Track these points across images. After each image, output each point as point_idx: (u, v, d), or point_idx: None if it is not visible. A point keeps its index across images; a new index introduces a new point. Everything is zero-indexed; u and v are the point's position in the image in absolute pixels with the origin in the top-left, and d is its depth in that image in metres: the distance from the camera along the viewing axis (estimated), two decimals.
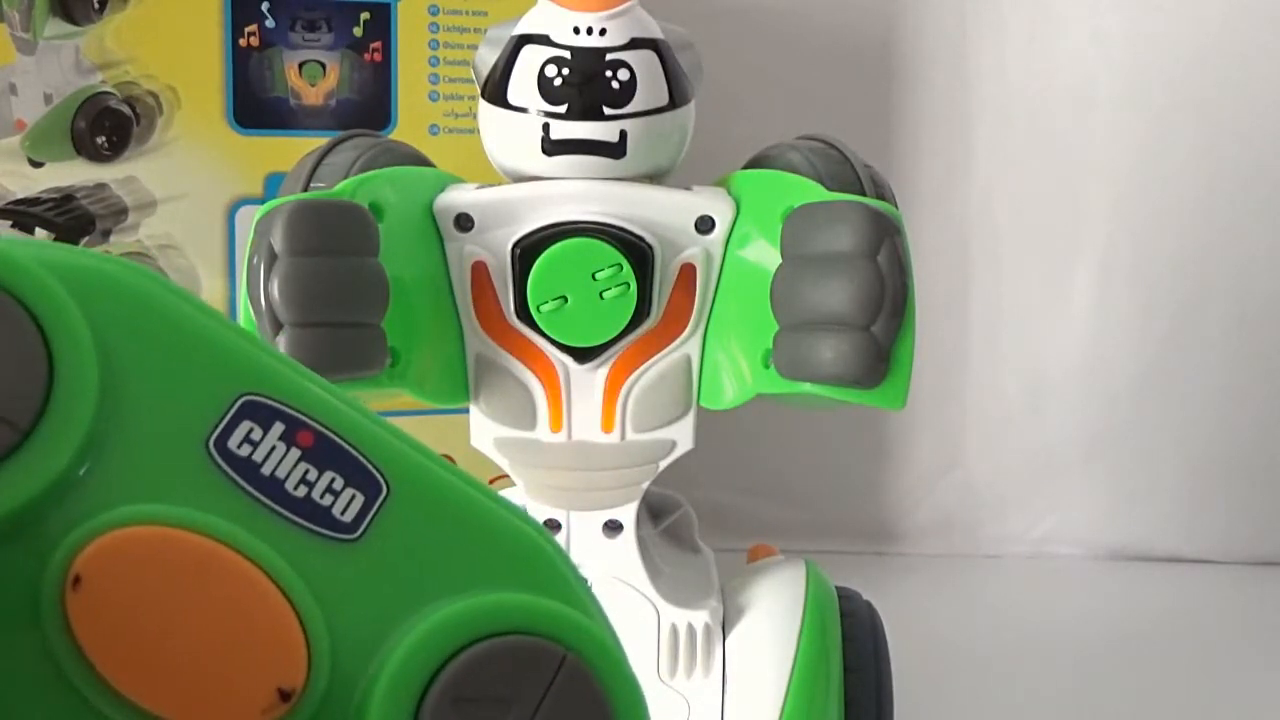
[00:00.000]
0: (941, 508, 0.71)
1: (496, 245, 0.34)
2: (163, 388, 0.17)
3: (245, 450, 0.17)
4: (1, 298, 0.16)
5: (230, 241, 0.52)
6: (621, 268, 0.34)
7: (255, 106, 0.52)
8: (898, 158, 0.69)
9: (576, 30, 0.34)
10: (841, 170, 0.34)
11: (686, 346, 0.35)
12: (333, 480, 0.17)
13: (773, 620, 0.35)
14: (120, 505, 0.16)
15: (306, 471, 0.17)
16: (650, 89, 0.34)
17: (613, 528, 0.35)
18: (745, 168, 0.37)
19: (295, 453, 0.17)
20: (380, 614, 0.17)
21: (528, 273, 0.34)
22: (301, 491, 0.17)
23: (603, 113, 0.34)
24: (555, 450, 0.35)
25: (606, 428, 0.35)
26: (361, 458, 0.17)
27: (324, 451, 0.17)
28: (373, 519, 0.17)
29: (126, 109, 0.51)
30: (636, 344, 0.35)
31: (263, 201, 0.38)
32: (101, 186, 0.51)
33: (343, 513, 0.17)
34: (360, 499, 0.17)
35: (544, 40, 0.34)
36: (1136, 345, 0.69)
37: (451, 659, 0.17)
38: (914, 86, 0.69)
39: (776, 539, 0.45)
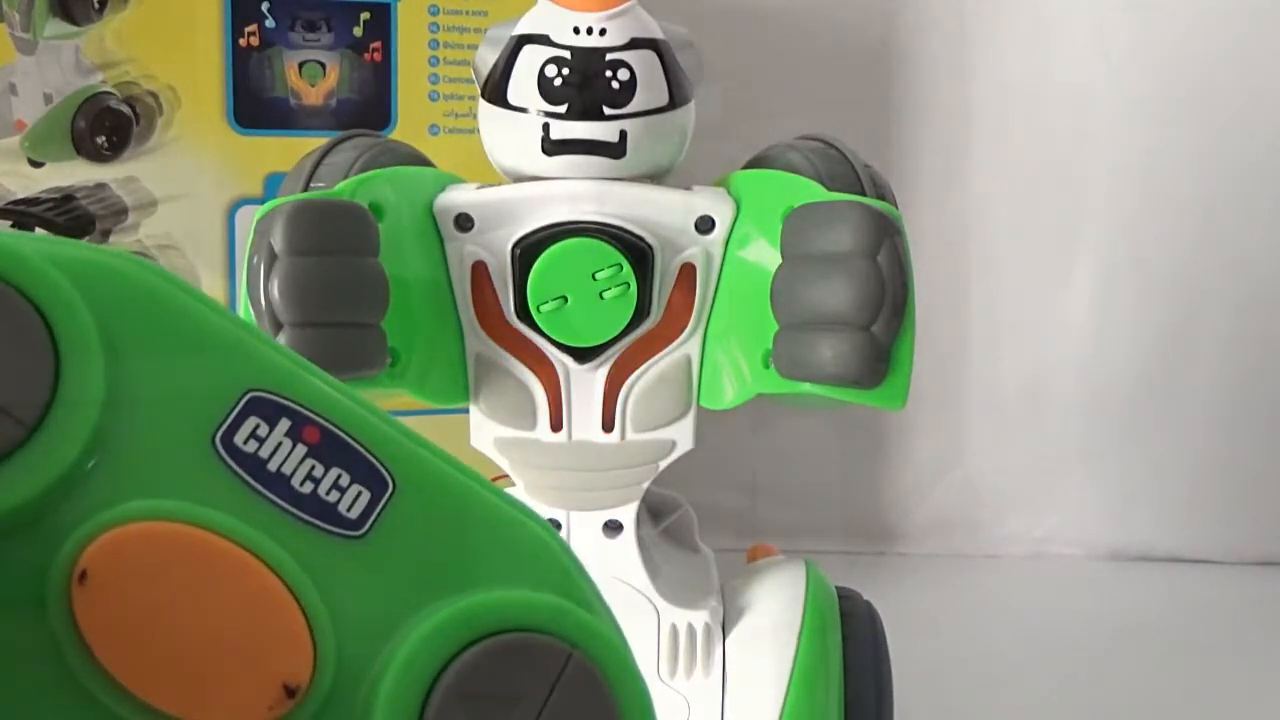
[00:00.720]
0: (941, 508, 0.71)
1: (496, 245, 0.34)
2: (169, 383, 0.17)
3: (252, 446, 0.17)
4: (7, 292, 0.16)
5: (230, 241, 0.52)
6: (621, 268, 0.34)
7: (255, 106, 0.52)
8: (898, 158, 0.69)
9: (576, 30, 0.34)
10: (841, 170, 0.34)
11: (686, 346, 0.35)
12: (339, 477, 0.17)
13: (773, 620, 0.35)
14: (126, 501, 0.16)
15: (313, 468, 0.17)
16: (650, 89, 0.34)
17: (613, 528, 0.35)
18: (745, 168, 0.37)
19: (301, 449, 0.17)
20: (386, 610, 0.17)
21: (528, 273, 0.34)
22: (308, 488, 0.17)
23: (603, 113, 0.34)
24: (555, 450, 0.35)
25: (606, 428, 0.35)
26: (368, 454, 0.17)
27: (330, 448, 0.17)
28: (379, 516, 0.17)
29: (126, 109, 0.50)
30: (636, 344, 0.35)
31: (263, 201, 0.38)
32: (101, 186, 0.51)
33: (349, 509, 0.17)
34: (366, 495, 0.17)
35: (544, 40, 0.34)
36: (1136, 345, 0.69)
37: (457, 655, 0.17)
38: (914, 86, 0.69)
39: (776, 539, 0.45)
